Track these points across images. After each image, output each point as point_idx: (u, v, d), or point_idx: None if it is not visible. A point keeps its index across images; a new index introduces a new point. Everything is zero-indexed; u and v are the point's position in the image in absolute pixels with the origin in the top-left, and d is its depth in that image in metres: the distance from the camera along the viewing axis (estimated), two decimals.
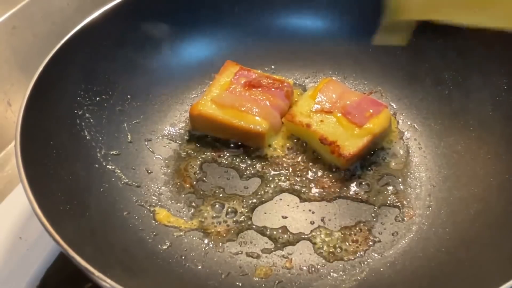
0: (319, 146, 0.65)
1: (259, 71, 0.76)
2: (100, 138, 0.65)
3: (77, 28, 0.64)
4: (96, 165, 0.62)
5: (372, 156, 0.67)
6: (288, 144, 0.68)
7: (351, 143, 0.63)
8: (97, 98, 0.67)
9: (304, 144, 0.68)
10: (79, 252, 0.44)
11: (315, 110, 0.66)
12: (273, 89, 0.68)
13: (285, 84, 0.69)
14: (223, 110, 0.66)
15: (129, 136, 0.68)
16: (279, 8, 0.79)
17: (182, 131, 0.71)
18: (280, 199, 0.63)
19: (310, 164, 0.66)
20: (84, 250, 0.46)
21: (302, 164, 0.66)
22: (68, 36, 0.63)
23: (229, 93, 0.67)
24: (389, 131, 0.68)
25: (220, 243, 0.59)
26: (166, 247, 0.58)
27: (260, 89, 0.67)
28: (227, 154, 0.68)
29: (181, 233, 0.60)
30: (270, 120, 0.65)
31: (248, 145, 0.67)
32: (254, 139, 0.66)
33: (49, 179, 0.53)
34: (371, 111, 0.65)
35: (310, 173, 0.65)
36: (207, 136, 0.69)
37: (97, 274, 0.43)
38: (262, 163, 0.66)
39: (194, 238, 0.59)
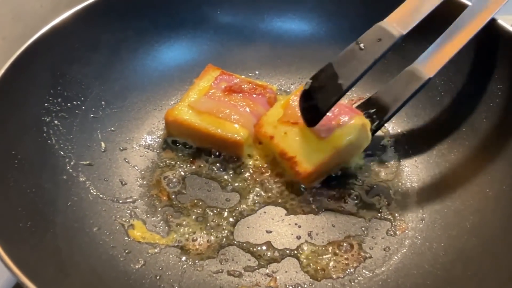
0: (281, 160, 0.60)
1: (243, 77, 0.72)
2: (70, 147, 0.61)
3: (46, 28, 0.60)
4: (65, 177, 0.58)
5: (361, 164, 0.63)
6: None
7: (310, 159, 0.57)
8: (68, 104, 0.63)
9: None
10: (35, 276, 0.38)
11: (282, 120, 0.60)
12: (254, 95, 0.64)
13: (268, 90, 0.65)
14: (200, 116, 0.62)
15: (102, 145, 0.64)
16: (263, 11, 0.76)
17: (160, 139, 0.67)
18: (264, 212, 0.59)
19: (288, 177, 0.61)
20: (45, 272, 0.41)
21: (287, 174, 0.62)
22: (36, 37, 0.59)
23: (208, 98, 0.63)
24: (362, 142, 0.59)
25: (199, 261, 0.54)
26: (139, 266, 0.53)
27: (241, 94, 0.63)
28: (208, 164, 0.63)
29: (157, 250, 0.55)
30: (250, 128, 0.61)
31: (226, 154, 0.63)
32: (232, 148, 0.61)
33: (8, 193, 0.48)
34: (341, 120, 0.57)
35: (294, 184, 0.61)
36: (187, 145, 0.65)
37: None
38: (245, 174, 0.62)
39: (170, 256, 0.55)
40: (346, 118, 0.57)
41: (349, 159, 0.61)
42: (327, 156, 0.57)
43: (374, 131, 0.61)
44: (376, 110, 0.59)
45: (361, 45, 0.50)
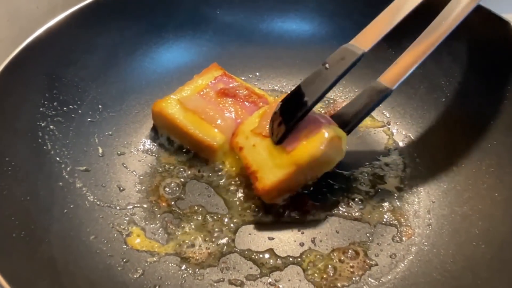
0: (247, 173, 0.57)
1: (243, 78, 0.71)
2: (66, 152, 0.59)
3: (41, 30, 0.59)
4: (60, 183, 0.56)
5: (364, 168, 0.62)
6: None
7: (270, 175, 0.53)
8: (64, 108, 0.61)
9: None
10: None
11: (255, 131, 0.57)
12: (247, 103, 0.62)
13: (263, 99, 0.63)
14: (184, 113, 0.61)
15: (99, 150, 0.62)
16: (264, 12, 0.75)
17: (159, 143, 0.65)
18: (266, 219, 0.57)
19: None
20: (39, 285, 0.39)
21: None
22: (30, 39, 0.58)
23: (199, 97, 0.62)
24: (333, 157, 0.55)
25: (200, 270, 0.53)
26: (137, 276, 0.51)
27: (233, 99, 0.62)
28: (209, 169, 0.62)
29: (155, 259, 0.53)
30: (228, 135, 0.60)
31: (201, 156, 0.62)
32: (206, 151, 0.60)
33: (1, 202, 0.46)
34: (309, 132, 0.52)
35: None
36: (187, 149, 0.64)
37: None
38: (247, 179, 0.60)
39: (170, 264, 0.53)
40: (315, 129, 0.53)
41: (319, 174, 0.57)
42: (287, 173, 0.53)
43: None
44: (341, 123, 0.58)
45: (327, 65, 0.54)
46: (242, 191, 0.59)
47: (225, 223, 0.57)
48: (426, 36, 0.57)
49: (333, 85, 0.52)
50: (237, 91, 0.63)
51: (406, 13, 0.56)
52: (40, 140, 0.57)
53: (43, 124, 0.58)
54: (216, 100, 0.62)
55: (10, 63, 0.54)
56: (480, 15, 0.60)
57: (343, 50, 0.54)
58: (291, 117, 0.53)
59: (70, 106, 0.62)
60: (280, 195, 0.56)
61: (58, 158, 0.58)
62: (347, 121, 0.59)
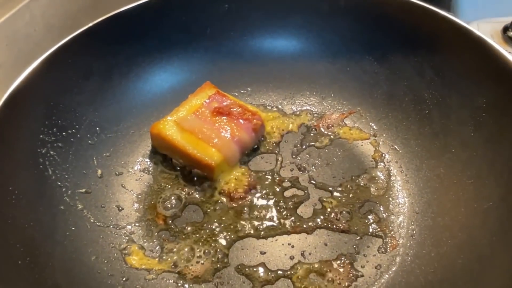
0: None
1: (235, 94, 0.73)
2: (67, 176, 0.62)
3: (37, 62, 0.61)
4: (62, 207, 0.59)
5: (351, 180, 0.64)
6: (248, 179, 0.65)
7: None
8: (63, 133, 0.64)
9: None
10: None
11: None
12: (241, 120, 0.65)
13: (256, 116, 0.66)
14: (182, 133, 0.64)
15: (98, 172, 0.65)
16: (253, 29, 0.77)
17: (154, 162, 0.68)
18: (258, 233, 0.60)
19: (282, 194, 0.64)
20: None
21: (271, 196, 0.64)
22: (28, 71, 0.60)
23: (195, 117, 0.65)
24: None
25: (195, 285, 0.56)
26: None
27: (227, 118, 0.65)
28: (204, 186, 0.65)
29: (154, 276, 0.57)
30: (225, 153, 0.63)
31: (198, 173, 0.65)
32: (204, 169, 0.64)
33: (6, 232, 0.49)
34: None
35: (283, 203, 0.62)
36: (182, 167, 0.66)
37: None
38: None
39: (168, 281, 0.56)
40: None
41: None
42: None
43: None
44: None
45: None
46: (234, 208, 0.62)
47: (219, 239, 0.60)
48: None
49: None
50: (231, 109, 0.66)
51: None
52: (41, 166, 0.60)
53: (43, 151, 0.61)
54: (212, 119, 0.65)
55: (10, 96, 0.57)
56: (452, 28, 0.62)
57: None
58: None
59: (69, 131, 0.65)
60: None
61: (59, 183, 0.61)
62: None
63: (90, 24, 0.66)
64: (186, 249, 0.59)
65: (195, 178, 0.65)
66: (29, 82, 0.59)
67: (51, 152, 0.62)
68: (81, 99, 0.67)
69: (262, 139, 0.70)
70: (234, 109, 0.65)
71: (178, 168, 0.66)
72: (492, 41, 0.60)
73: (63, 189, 0.61)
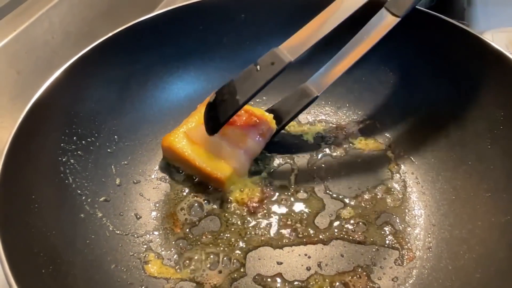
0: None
1: (251, 103, 0.73)
2: (86, 184, 0.63)
3: (58, 73, 0.62)
4: (82, 215, 0.60)
5: (367, 191, 0.65)
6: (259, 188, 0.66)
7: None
8: (83, 142, 0.65)
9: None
10: None
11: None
12: (249, 127, 0.66)
13: (263, 122, 0.66)
14: (192, 146, 0.65)
15: (117, 180, 0.66)
16: (268, 37, 0.77)
17: (173, 170, 0.69)
18: (276, 243, 0.61)
19: (298, 205, 0.64)
20: None
21: (287, 206, 0.64)
22: (49, 82, 0.61)
23: (203, 128, 0.65)
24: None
25: None
26: None
27: (234, 127, 0.65)
28: (219, 196, 0.65)
29: (172, 285, 0.57)
30: (234, 166, 0.64)
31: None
32: (215, 182, 0.65)
33: (30, 240, 0.50)
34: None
35: (299, 214, 0.63)
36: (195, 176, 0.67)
37: None
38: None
39: None
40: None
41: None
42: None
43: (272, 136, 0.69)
44: (275, 118, 0.68)
45: (258, 66, 0.59)
46: (251, 217, 0.63)
47: (236, 248, 0.60)
48: (354, 44, 0.63)
49: (263, 87, 0.58)
50: (239, 117, 0.66)
51: (335, 24, 0.59)
52: (62, 175, 0.61)
53: (64, 159, 0.62)
54: (220, 130, 0.66)
55: (32, 106, 0.58)
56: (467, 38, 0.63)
57: (273, 54, 0.58)
58: (223, 114, 0.59)
59: (88, 139, 0.66)
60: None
61: (79, 191, 0.62)
62: (279, 119, 0.69)
63: (110, 34, 0.67)
64: (203, 258, 0.59)
65: (210, 188, 0.66)
66: (51, 92, 0.60)
67: (71, 161, 0.63)
68: (100, 107, 0.68)
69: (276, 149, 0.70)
70: (241, 117, 0.66)
71: (195, 177, 0.67)
72: (508, 53, 0.60)
73: (83, 197, 0.62)
